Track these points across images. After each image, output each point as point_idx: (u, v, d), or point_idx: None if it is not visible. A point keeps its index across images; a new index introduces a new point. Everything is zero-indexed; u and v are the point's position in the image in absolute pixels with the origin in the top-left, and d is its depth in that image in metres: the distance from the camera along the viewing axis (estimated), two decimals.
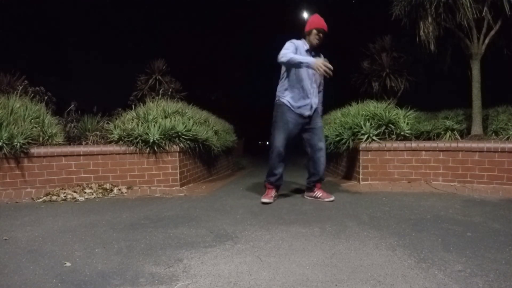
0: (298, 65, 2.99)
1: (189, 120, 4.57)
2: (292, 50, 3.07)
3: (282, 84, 3.27)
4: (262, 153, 11.96)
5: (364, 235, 2.22)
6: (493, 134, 4.42)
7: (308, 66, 2.95)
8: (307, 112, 3.22)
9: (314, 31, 3.13)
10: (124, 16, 13.47)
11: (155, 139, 3.90)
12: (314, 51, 3.20)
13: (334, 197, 3.31)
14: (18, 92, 4.51)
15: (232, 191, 4.10)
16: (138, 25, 13.88)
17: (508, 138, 3.78)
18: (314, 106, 3.27)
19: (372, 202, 3.17)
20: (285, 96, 3.23)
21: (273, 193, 3.33)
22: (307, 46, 3.19)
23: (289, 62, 2.99)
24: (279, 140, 3.20)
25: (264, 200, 3.23)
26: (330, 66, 2.87)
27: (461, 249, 1.91)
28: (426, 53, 5.30)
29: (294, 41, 3.17)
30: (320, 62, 2.87)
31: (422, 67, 7.53)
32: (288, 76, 3.21)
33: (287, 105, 3.21)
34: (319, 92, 3.39)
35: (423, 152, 3.91)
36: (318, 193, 3.34)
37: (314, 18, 3.19)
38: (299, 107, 3.20)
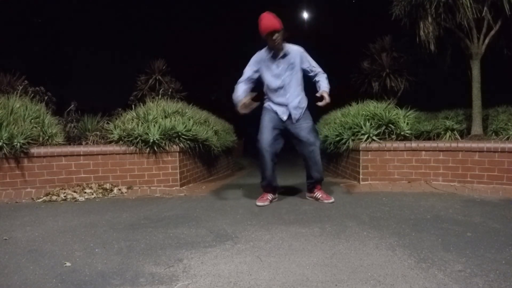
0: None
1: (189, 120, 4.57)
2: (247, 76, 3.13)
3: (264, 89, 3.27)
4: None
5: (364, 235, 2.22)
6: (493, 134, 4.42)
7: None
8: (285, 116, 3.14)
9: (268, 36, 2.96)
10: (124, 15, 13.47)
11: (155, 139, 3.90)
12: (278, 52, 3.08)
13: (333, 198, 3.27)
14: (18, 92, 4.51)
15: (232, 191, 4.10)
16: (138, 25, 13.88)
17: (508, 138, 3.78)
18: (294, 112, 3.12)
19: (372, 202, 3.17)
20: (267, 100, 3.25)
21: (269, 196, 3.27)
22: (271, 53, 3.10)
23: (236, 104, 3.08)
24: (263, 140, 3.12)
25: (258, 203, 3.19)
26: (244, 103, 2.99)
27: (461, 249, 1.91)
28: (426, 53, 5.30)
29: (258, 53, 3.16)
30: (239, 107, 3.02)
31: (422, 67, 7.53)
32: (263, 83, 3.22)
33: (268, 108, 3.22)
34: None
35: (423, 152, 3.91)
36: (318, 194, 3.32)
37: (260, 23, 2.97)
38: (278, 111, 3.17)
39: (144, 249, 2.01)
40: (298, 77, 3.16)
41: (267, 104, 3.24)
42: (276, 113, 3.18)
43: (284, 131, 3.21)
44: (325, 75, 3.20)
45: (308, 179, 3.35)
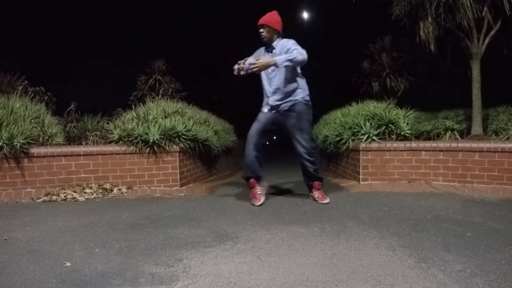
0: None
1: (189, 120, 4.57)
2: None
3: None
4: None
5: (364, 235, 2.22)
6: (493, 134, 4.42)
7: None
8: (265, 109, 3.29)
9: (258, 28, 3.21)
10: (125, 16, 13.48)
11: (155, 139, 3.90)
12: (269, 47, 3.24)
13: (329, 199, 3.24)
14: (18, 92, 4.51)
15: (232, 191, 4.10)
16: (138, 25, 13.89)
17: (508, 138, 3.78)
18: (272, 98, 3.21)
19: (372, 202, 3.17)
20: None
21: (258, 190, 3.28)
22: (265, 47, 3.30)
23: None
24: (251, 128, 3.28)
25: (255, 203, 3.19)
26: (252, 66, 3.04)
27: (461, 249, 1.91)
28: (426, 53, 5.30)
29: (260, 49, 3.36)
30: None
31: (422, 67, 7.54)
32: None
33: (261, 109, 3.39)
34: (283, 80, 3.15)
35: (423, 152, 3.91)
36: (315, 194, 3.33)
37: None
38: (265, 108, 3.31)
39: (144, 249, 2.01)
40: (282, 70, 3.14)
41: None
42: (265, 111, 3.32)
43: (275, 124, 3.32)
44: (296, 54, 2.92)
45: (303, 179, 3.40)
